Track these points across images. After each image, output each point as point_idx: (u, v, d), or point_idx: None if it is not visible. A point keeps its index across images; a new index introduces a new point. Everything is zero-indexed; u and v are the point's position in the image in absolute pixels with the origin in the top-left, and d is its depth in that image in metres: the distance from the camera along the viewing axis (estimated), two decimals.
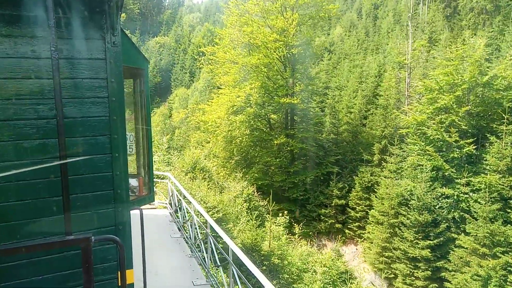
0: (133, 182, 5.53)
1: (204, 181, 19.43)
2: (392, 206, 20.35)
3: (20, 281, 2.98)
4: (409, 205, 19.57)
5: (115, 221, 3.35)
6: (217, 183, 21.61)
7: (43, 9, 2.79)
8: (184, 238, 8.69)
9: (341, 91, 35.22)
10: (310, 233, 24.31)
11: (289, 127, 27.34)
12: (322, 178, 26.08)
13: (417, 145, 20.94)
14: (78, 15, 3.09)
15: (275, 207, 23.80)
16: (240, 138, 23.82)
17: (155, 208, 10.66)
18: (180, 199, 9.63)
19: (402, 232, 19.58)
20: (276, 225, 15.72)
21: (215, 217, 10.68)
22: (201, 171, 21.00)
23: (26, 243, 2.43)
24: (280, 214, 18.02)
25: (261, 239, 11.91)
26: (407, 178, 20.92)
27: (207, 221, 7.48)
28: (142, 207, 4.77)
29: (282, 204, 24.76)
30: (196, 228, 8.30)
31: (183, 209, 9.32)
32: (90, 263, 2.11)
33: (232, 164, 25.55)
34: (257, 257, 11.68)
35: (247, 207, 16.38)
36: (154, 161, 18.03)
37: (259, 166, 25.87)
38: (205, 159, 22.53)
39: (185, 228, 9.21)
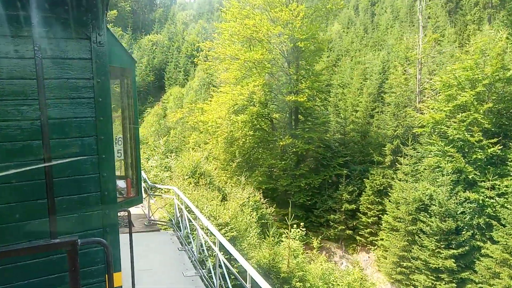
0: (120, 183, 5.37)
1: (208, 188, 17.74)
2: (409, 212, 18.80)
3: (4, 286, 2.94)
4: (429, 211, 18.06)
5: (103, 224, 3.29)
6: (220, 188, 19.90)
7: (26, 7, 2.76)
8: (201, 276, 6.95)
9: (344, 89, 33.68)
10: (319, 240, 22.69)
11: (293, 127, 25.68)
12: (330, 181, 24.46)
13: (435, 145, 19.41)
14: (63, 14, 3.01)
15: (279, 212, 22.21)
16: (243, 139, 22.07)
17: (155, 231, 8.95)
18: (190, 221, 7.87)
19: (422, 240, 18.07)
20: (293, 239, 14.03)
21: (228, 236, 8.96)
22: (202, 176, 19.32)
23: (10, 247, 2.27)
24: (295, 226, 16.33)
25: (280, 258, 10.22)
26: (425, 181, 19.39)
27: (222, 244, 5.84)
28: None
29: (287, 210, 23.15)
30: (219, 266, 6.58)
31: (199, 239, 7.54)
32: (77, 266, 2.07)
33: (233, 167, 23.80)
34: (276, 280, 10.00)
35: (256, 217, 14.66)
36: (152, 166, 16.33)
37: (262, 169, 24.18)
38: (205, 162, 20.76)
39: (200, 260, 7.47)
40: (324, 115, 25.73)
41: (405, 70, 30.16)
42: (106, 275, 2.89)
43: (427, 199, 18.52)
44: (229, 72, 22.91)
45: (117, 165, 4.87)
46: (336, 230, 23.06)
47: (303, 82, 23.72)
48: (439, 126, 19.63)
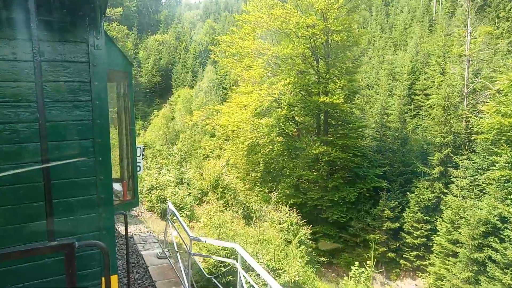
0: (117, 186, 5.19)
1: (234, 207, 14.79)
2: (473, 236, 15.67)
3: None
4: (500, 235, 14.95)
5: (99, 226, 3.26)
6: (245, 206, 16.91)
7: (25, 10, 2.67)
8: None
9: (369, 90, 30.65)
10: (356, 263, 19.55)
11: (321, 132, 22.64)
12: (367, 195, 21.35)
13: (503, 155, 16.28)
14: (61, 17, 3.03)
15: (309, 229, 19.13)
16: (270, 146, 19.00)
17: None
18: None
19: (492, 271, 14.92)
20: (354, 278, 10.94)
21: None
22: (225, 190, 16.34)
23: (7, 250, 2.31)
24: (356, 263, 13.23)
25: None
26: (491, 198, 16.25)
27: None
28: None
29: (318, 227, 20.10)
30: None
31: None
32: (74, 269, 2.04)
33: (256, 178, 20.77)
34: None
35: (304, 251, 11.54)
36: (168, 181, 13.39)
37: (289, 181, 21.09)
38: (227, 173, 17.73)
39: None
40: (359, 119, 22.63)
41: (443, 69, 27.11)
42: (103, 278, 2.80)
43: (497, 221, 15.39)
44: (253, 70, 19.88)
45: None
46: (376, 252, 19.91)
47: (336, 81, 20.67)
48: (506, 133, 16.51)
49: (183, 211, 12.04)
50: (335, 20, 19.25)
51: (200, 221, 11.82)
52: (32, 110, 2.91)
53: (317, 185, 21.15)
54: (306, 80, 19.98)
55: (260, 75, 19.95)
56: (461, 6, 36.07)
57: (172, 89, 60.49)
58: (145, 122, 50.55)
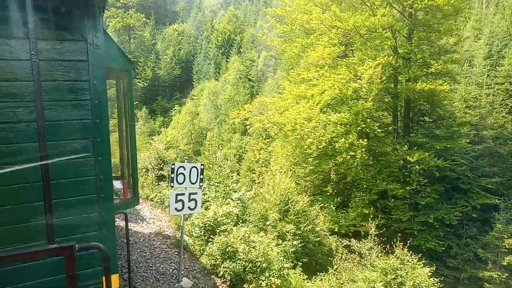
0: (117, 185, 5.16)
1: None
2: None
3: None
4: None
5: (99, 225, 3.25)
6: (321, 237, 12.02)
7: (23, 10, 2.67)
8: None
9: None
10: None
11: (402, 131, 17.34)
12: (474, 215, 15.99)
13: None
14: (59, 16, 2.99)
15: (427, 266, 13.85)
16: (351, 152, 13.75)
17: None
18: None
19: None
20: None
21: None
22: (299, 217, 11.47)
23: (7, 253, 2.18)
24: None
25: None
26: None
27: None
28: None
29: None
30: None
31: None
32: (74, 271, 2.00)
33: (327, 191, 15.66)
34: None
35: None
36: (232, 214, 8.52)
37: (366, 196, 15.89)
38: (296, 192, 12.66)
39: None
40: (453, 115, 17.14)
41: None
42: (104, 278, 2.52)
43: None
44: (319, 49, 14.61)
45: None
46: None
47: (431, 63, 15.26)
48: None
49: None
50: None
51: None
52: (31, 109, 2.89)
53: (405, 202, 15.90)
54: (394, 62, 14.63)
55: (332, 54, 14.69)
56: None
57: (193, 82, 55.81)
58: (166, 119, 45.94)
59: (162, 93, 52.58)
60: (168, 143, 33.75)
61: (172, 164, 6.18)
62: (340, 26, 14.58)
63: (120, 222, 8.13)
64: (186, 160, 7.44)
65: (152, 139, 33.62)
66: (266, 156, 20.15)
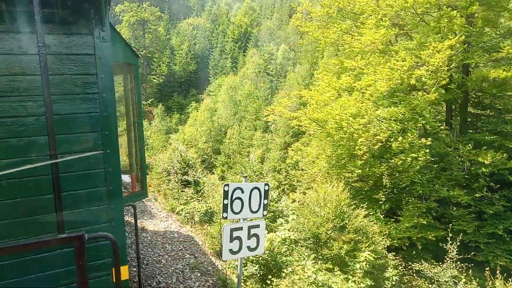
0: (125, 179, 5.13)
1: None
2: None
3: (12, 281, 2.87)
4: None
5: (108, 218, 3.24)
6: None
7: (29, 3, 2.65)
8: None
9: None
10: None
11: (459, 127, 14.96)
12: None
13: None
14: (66, 10, 2.98)
15: None
16: (412, 154, 11.48)
17: None
18: None
19: None
20: None
21: None
22: (358, 235, 9.45)
23: (17, 243, 2.18)
24: None
25: None
26: None
27: None
28: None
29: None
30: None
31: None
32: (84, 261, 2.00)
33: (380, 200, 13.42)
34: None
35: None
36: (289, 240, 6.51)
37: (421, 204, 13.59)
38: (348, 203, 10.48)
39: None
40: None
41: None
42: (113, 269, 2.58)
43: None
44: (373, 33, 12.30)
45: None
46: None
47: (501, 46, 12.79)
48: None
49: None
50: None
51: None
52: (39, 103, 2.89)
53: (470, 211, 13.57)
54: (463, 46, 12.23)
55: (386, 37, 12.37)
56: None
57: (209, 78, 53.88)
58: (182, 116, 44.12)
59: (178, 89, 50.86)
60: (187, 141, 31.94)
61: (225, 185, 4.14)
62: (394, 4, 12.24)
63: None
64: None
65: (169, 137, 31.89)
66: (298, 158, 17.99)
